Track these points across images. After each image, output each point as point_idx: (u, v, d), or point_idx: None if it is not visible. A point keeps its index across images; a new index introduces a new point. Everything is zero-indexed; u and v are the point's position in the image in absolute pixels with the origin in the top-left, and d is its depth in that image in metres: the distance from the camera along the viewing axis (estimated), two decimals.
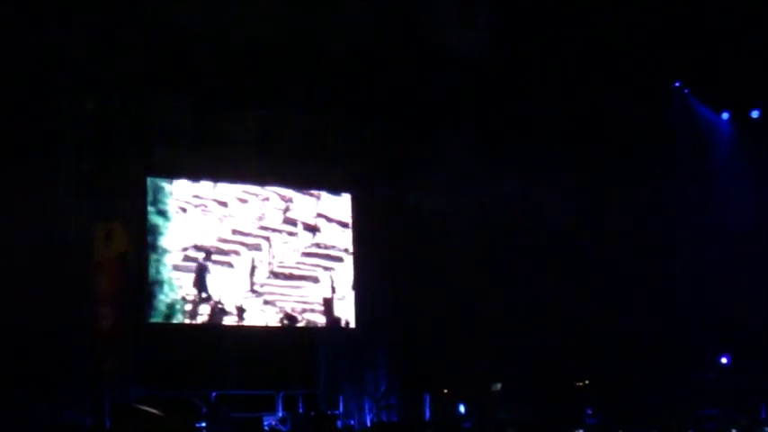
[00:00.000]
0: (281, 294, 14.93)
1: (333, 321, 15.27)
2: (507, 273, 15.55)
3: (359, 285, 15.44)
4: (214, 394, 13.89)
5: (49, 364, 12.75)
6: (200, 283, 14.31)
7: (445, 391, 15.43)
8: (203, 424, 13.06)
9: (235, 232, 14.65)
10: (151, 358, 13.54)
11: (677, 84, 16.21)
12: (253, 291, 14.68)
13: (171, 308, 14.10)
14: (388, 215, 15.62)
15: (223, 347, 14.27)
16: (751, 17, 14.60)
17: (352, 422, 14.95)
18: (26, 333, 12.58)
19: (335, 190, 15.47)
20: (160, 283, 14.03)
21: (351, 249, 15.46)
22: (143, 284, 13.87)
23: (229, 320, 14.51)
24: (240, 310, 14.55)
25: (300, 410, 14.50)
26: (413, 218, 15.62)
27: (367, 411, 15.20)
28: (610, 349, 15.43)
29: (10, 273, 12.51)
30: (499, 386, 15.61)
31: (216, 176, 14.59)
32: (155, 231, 14.06)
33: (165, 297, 14.06)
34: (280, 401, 14.47)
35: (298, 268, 15.10)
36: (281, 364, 14.47)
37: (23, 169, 12.75)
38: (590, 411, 15.27)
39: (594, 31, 14.67)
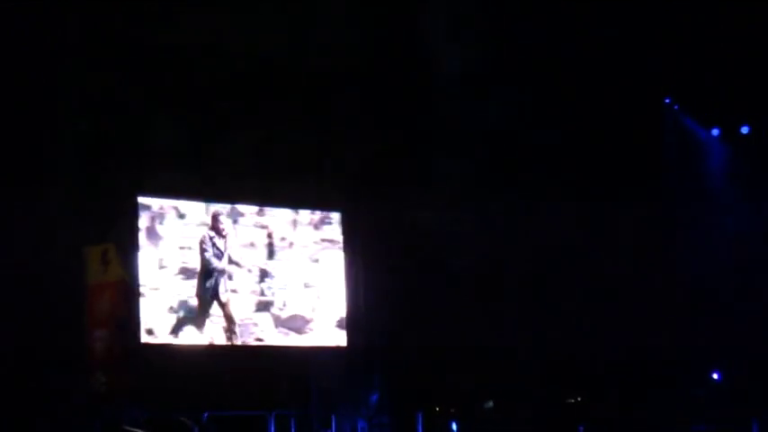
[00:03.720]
0: (273, 315, 14.84)
1: (325, 341, 15.21)
2: (503, 290, 15.52)
3: (350, 304, 15.37)
4: (206, 415, 13.76)
5: (41, 387, 12.62)
6: (193, 303, 14.27)
7: (437, 408, 15.43)
8: None
9: (226, 252, 14.54)
10: (144, 380, 13.39)
11: (667, 100, 16.23)
12: (245, 311, 14.63)
13: (163, 328, 14.04)
14: (382, 234, 15.52)
15: (215, 367, 14.16)
16: (740, 33, 14.62)
17: None
18: (16, 356, 12.53)
19: (328, 208, 15.39)
20: (152, 302, 13.95)
21: (343, 268, 15.37)
22: (135, 306, 13.75)
23: (220, 340, 14.45)
24: (231, 331, 14.48)
25: (293, 431, 14.39)
26: (407, 236, 15.50)
27: (359, 430, 15.12)
28: (602, 366, 15.44)
29: None
30: (491, 403, 15.63)
31: (208, 196, 14.49)
32: (145, 251, 13.98)
33: (157, 317, 13.98)
34: (272, 422, 14.35)
35: (290, 288, 15.00)
36: (273, 384, 14.38)
37: (12, 189, 12.67)
38: (582, 429, 15.29)
39: (584, 47, 14.66)
